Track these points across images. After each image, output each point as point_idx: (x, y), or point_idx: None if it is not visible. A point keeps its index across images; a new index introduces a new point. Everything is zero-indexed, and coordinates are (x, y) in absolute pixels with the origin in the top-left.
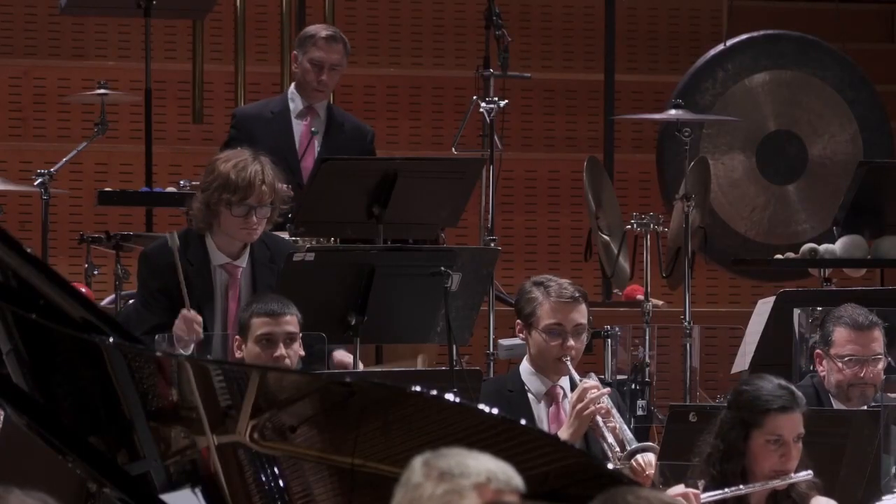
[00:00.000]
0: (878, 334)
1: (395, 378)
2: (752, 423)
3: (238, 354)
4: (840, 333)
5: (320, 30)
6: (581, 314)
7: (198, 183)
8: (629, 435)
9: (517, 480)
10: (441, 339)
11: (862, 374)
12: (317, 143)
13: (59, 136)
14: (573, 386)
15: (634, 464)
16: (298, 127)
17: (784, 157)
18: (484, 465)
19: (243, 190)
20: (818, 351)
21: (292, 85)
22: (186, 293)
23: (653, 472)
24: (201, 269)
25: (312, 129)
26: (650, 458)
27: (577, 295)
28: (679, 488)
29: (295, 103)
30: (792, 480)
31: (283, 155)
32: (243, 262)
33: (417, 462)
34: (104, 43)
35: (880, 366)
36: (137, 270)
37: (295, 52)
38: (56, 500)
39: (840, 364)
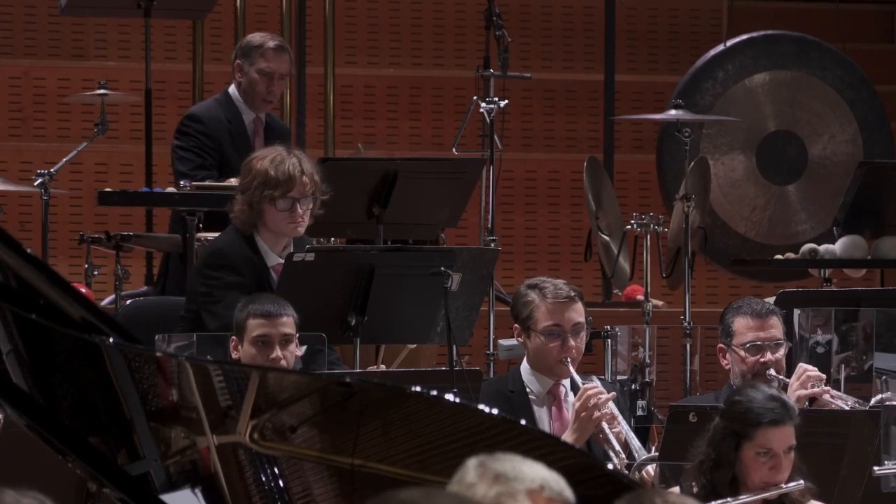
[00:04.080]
0: (777, 321)
1: (395, 378)
2: (743, 435)
3: (234, 355)
4: (739, 323)
5: (267, 39)
6: (578, 313)
7: (198, 183)
8: (636, 443)
9: (569, 493)
10: (441, 339)
11: (764, 360)
12: None
13: (59, 136)
14: (574, 387)
15: (644, 475)
16: (253, 138)
17: (784, 157)
18: (539, 473)
19: (285, 183)
20: (720, 345)
21: (233, 90)
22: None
23: None
24: (260, 270)
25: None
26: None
27: (572, 294)
28: (675, 491)
29: (245, 114)
30: (782, 490)
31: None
32: None
33: (472, 462)
34: (104, 43)
35: (781, 352)
36: (208, 266)
37: (238, 61)
38: (56, 500)
39: (742, 353)
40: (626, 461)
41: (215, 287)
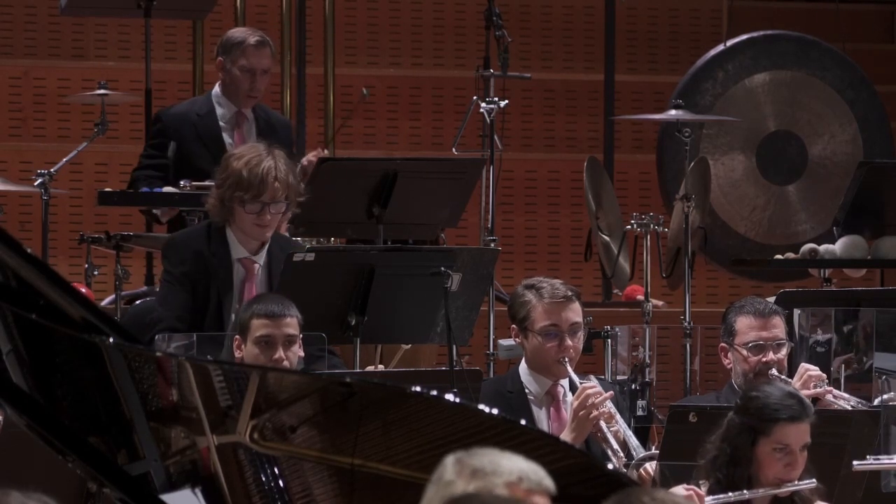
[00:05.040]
0: (779, 321)
1: (396, 378)
2: (760, 431)
3: (237, 355)
4: (742, 322)
5: (248, 36)
6: (576, 313)
7: (198, 183)
8: (634, 441)
9: (548, 482)
10: (441, 339)
11: (766, 360)
12: None
13: (59, 136)
14: (572, 387)
15: (643, 472)
16: (228, 132)
17: (784, 157)
18: (516, 465)
19: (256, 187)
20: (722, 344)
21: (216, 87)
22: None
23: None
24: (223, 261)
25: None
26: None
27: (569, 294)
28: (680, 489)
29: (224, 108)
30: (795, 488)
31: (214, 158)
32: (261, 258)
33: (450, 460)
34: (104, 43)
35: (783, 352)
36: (164, 255)
37: (220, 58)
38: (56, 500)
39: (745, 352)
40: (624, 460)
41: (168, 273)
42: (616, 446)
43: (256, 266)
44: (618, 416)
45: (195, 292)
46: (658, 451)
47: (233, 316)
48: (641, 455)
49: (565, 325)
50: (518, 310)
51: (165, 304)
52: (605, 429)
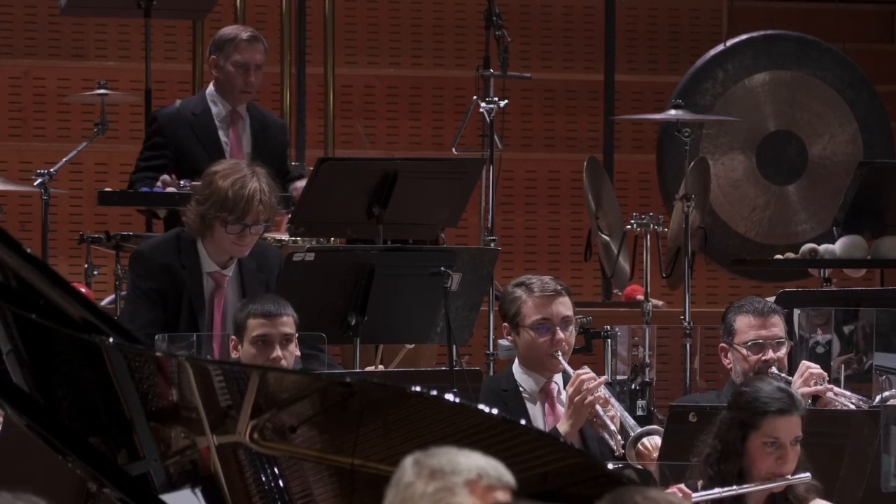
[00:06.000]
0: (778, 320)
1: (396, 378)
2: (750, 425)
3: (234, 355)
4: (741, 321)
5: (240, 31)
6: (566, 307)
7: (197, 183)
8: (631, 421)
9: (508, 477)
10: (441, 339)
11: (766, 359)
12: (245, 145)
13: (59, 136)
14: (567, 381)
15: (641, 447)
16: (224, 130)
17: (784, 157)
18: (475, 462)
19: (241, 209)
20: (722, 344)
21: (210, 86)
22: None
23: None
24: (193, 273)
25: None
26: (657, 441)
27: (559, 288)
28: (672, 488)
29: (218, 107)
30: (788, 482)
31: (211, 157)
32: (230, 271)
33: (408, 461)
34: (104, 43)
35: (783, 350)
36: (130, 267)
37: (213, 56)
38: (56, 500)
39: (744, 351)
40: (622, 442)
41: (135, 287)
42: (613, 429)
43: (226, 279)
44: (613, 400)
45: (166, 307)
46: (654, 426)
47: (204, 330)
48: (639, 430)
49: (556, 318)
50: (509, 307)
51: (134, 321)
52: (602, 414)
